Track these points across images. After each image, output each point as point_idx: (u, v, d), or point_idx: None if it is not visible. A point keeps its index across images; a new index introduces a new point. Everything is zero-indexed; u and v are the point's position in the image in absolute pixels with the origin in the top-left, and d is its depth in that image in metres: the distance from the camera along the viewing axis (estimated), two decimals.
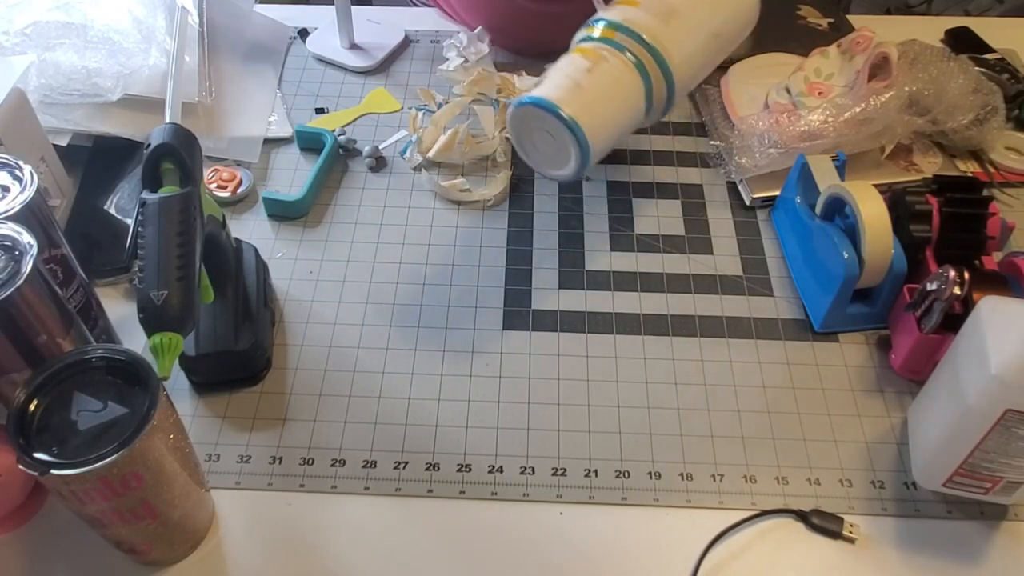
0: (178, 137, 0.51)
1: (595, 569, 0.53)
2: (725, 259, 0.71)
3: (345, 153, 0.79)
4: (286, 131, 0.81)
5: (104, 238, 0.69)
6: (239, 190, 0.74)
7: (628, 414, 0.60)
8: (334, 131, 0.79)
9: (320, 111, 0.84)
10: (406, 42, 0.92)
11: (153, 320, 0.46)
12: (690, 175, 0.78)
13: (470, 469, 0.57)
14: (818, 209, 0.67)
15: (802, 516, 0.55)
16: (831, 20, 0.93)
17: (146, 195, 0.49)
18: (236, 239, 0.64)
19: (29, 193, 0.51)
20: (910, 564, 0.54)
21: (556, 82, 0.63)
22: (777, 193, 0.74)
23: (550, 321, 0.66)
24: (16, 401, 0.43)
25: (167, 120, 0.69)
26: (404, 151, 0.79)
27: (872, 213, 0.61)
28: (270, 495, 0.56)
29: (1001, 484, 0.52)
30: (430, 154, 0.77)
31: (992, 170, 0.78)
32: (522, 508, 0.56)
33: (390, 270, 0.70)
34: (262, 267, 0.66)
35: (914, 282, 0.62)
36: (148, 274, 0.47)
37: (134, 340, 0.63)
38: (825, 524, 0.54)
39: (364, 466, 0.57)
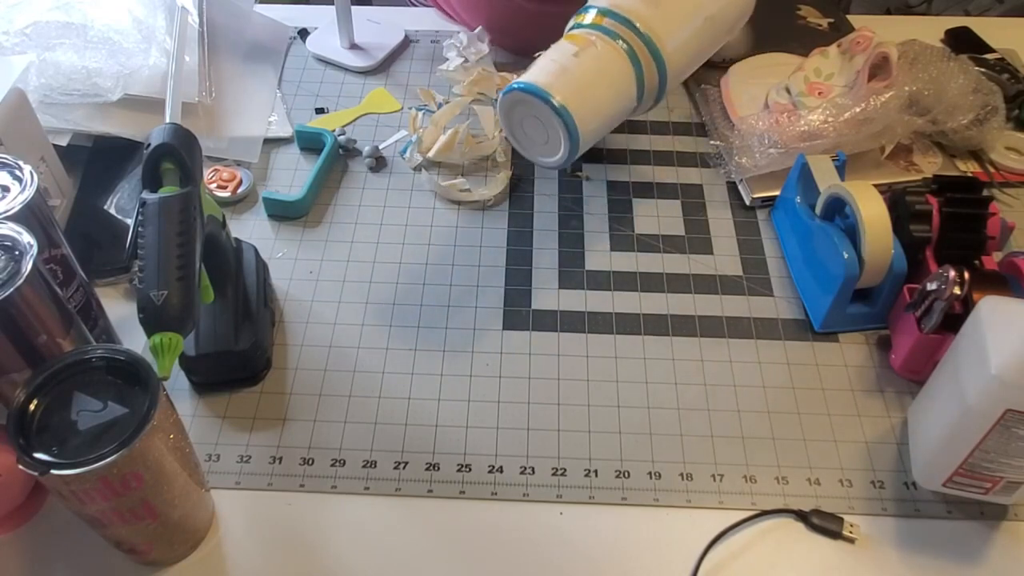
0: (178, 137, 0.51)
1: (595, 569, 0.53)
2: (725, 259, 0.71)
3: (345, 153, 0.79)
4: (286, 131, 0.81)
5: (104, 238, 0.69)
6: (239, 190, 0.74)
7: (628, 414, 0.60)
8: (334, 131, 0.79)
9: (320, 111, 0.84)
10: (406, 42, 0.92)
11: (153, 320, 0.46)
12: (690, 175, 0.78)
13: (470, 469, 0.57)
14: (818, 209, 0.67)
15: (802, 516, 0.55)
16: (831, 20, 0.93)
17: (146, 195, 0.49)
18: (236, 239, 0.64)
19: (29, 193, 0.51)
20: (910, 564, 0.54)
21: (542, 66, 0.63)
22: (777, 193, 0.74)
23: (550, 321, 0.66)
24: (16, 401, 0.43)
25: (167, 120, 0.69)
26: (404, 151, 0.79)
27: (872, 213, 0.61)
28: (270, 495, 0.56)
29: (1001, 484, 0.52)
30: (430, 154, 0.77)
31: (992, 170, 0.78)
32: (522, 508, 0.56)
33: (390, 270, 0.70)
34: (262, 267, 0.66)
35: (914, 282, 0.62)
36: (148, 274, 0.47)
37: (134, 340, 0.63)
38: (825, 524, 0.54)
39: (364, 466, 0.57)
